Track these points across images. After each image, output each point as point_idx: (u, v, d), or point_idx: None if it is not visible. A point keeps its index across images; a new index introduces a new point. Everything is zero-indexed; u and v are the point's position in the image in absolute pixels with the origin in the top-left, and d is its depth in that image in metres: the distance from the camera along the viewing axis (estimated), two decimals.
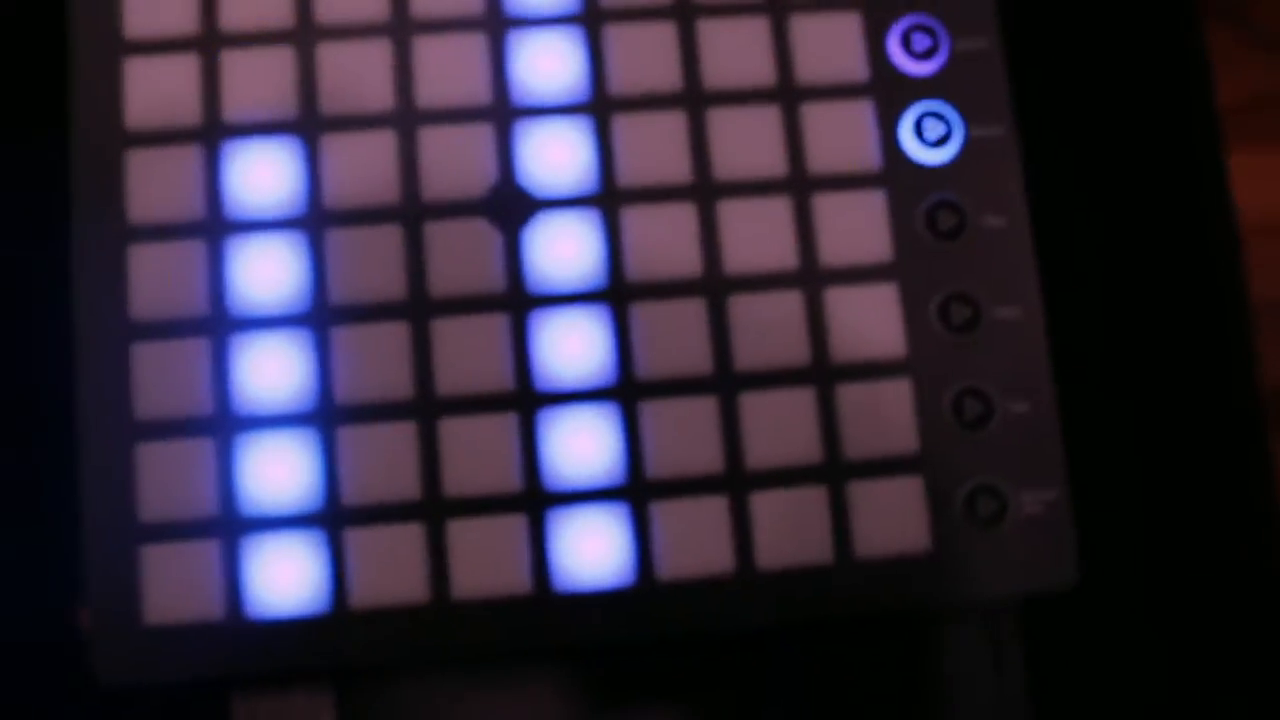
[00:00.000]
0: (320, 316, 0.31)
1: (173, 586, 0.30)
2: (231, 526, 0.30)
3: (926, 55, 0.33)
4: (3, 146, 0.38)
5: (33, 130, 0.36)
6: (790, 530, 0.31)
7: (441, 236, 0.32)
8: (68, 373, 0.31)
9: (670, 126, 0.32)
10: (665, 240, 0.32)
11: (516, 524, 0.31)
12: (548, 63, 0.33)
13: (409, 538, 0.31)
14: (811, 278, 0.32)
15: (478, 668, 0.33)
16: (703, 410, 0.31)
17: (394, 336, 0.31)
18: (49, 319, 0.32)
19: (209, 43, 0.32)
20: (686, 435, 0.31)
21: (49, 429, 0.33)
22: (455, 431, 0.31)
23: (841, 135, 0.33)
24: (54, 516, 0.33)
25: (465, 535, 0.31)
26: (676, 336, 0.32)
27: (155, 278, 0.31)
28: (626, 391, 0.31)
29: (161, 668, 0.30)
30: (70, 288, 0.31)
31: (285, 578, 0.31)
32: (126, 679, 0.30)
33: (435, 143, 0.32)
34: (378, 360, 0.31)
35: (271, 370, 0.31)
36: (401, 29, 0.32)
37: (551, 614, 0.31)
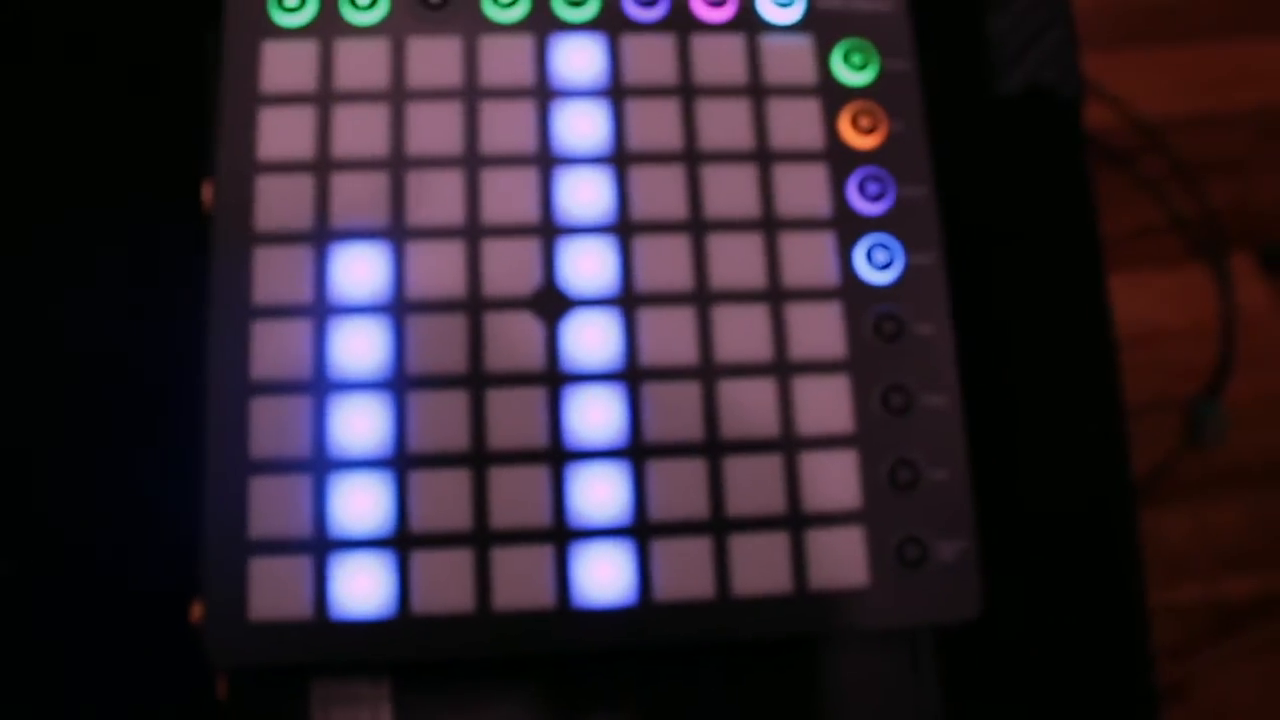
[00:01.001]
0: (399, 383, 0.33)
1: (272, 591, 0.32)
2: (321, 546, 0.32)
3: (877, 199, 0.35)
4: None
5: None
6: (759, 566, 0.33)
7: (496, 326, 0.33)
8: (201, 419, 0.33)
9: (678, 246, 0.34)
10: (670, 335, 0.34)
11: (545, 553, 0.32)
12: (585, 193, 0.34)
13: (461, 560, 0.32)
14: (782, 368, 0.34)
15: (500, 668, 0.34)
16: (694, 469, 0.33)
17: (456, 402, 0.33)
18: (190, 375, 0.34)
19: (323, 167, 0.34)
20: (681, 488, 0.33)
21: (183, 461, 0.34)
22: (501, 478, 0.33)
23: (809, 258, 0.35)
24: (177, 528, 0.34)
25: (505, 560, 0.32)
26: (676, 410, 0.33)
27: (271, 347, 0.33)
28: (636, 452, 0.33)
29: (258, 654, 0.31)
30: (204, 349, 0.33)
31: (361, 588, 0.32)
32: (231, 661, 0.32)
33: (494, 252, 0.34)
34: (443, 420, 0.33)
35: (359, 424, 0.33)
36: (472, 161, 0.34)
37: (570, 625, 0.32)
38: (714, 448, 0.33)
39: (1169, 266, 0.63)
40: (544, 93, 0.35)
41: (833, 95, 0.35)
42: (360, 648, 0.32)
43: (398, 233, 0.34)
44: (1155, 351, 0.62)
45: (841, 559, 0.33)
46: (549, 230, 0.34)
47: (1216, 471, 0.61)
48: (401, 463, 0.32)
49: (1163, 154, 0.62)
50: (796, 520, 0.33)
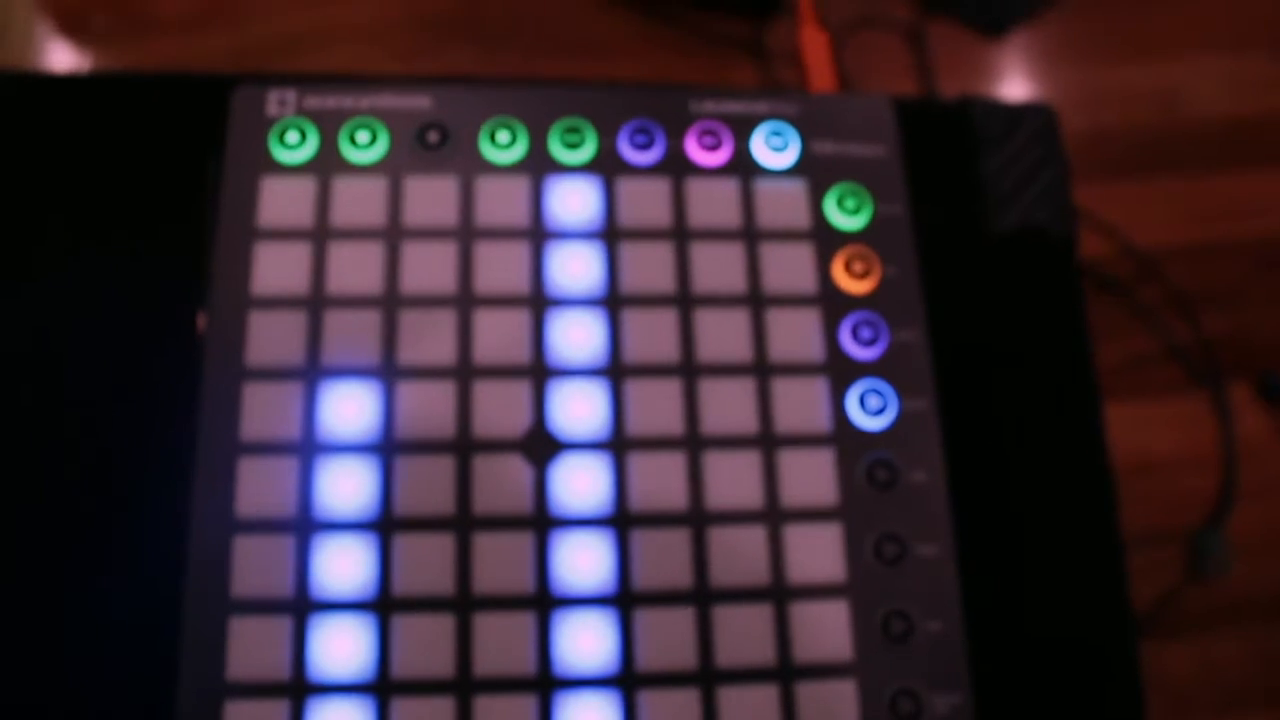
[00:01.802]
0: (385, 524, 0.33)
1: None
2: (300, 689, 0.31)
3: (870, 344, 0.35)
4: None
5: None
6: (749, 719, 0.32)
7: (485, 468, 0.33)
8: (182, 561, 0.32)
9: (669, 391, 0.34)
10: (661, 481, 0.34)
11: (529, 703, 0.32)
12: (577, 335, 0.34)
13: (442, 709, 0.31)
14: (773, 516, 0.34)
15: None
16: (683, 618, 0.32)
17: (442, 545, 0.33)
18: (173, 506, 0.33)
19: (316, 304, 0.34)
20: (669, 637, 0.32)
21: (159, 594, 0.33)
22: (485, 624, 0.32)
23: (801, 404, 0.34)
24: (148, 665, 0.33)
25: (489, 709, 0.31)
26: (665, 557, 0.33)
27: (256, 484, 0.33)
28: (624, 600, 0.32)
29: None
30: (189, 490, 0.33)
31: None
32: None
33: (485, 393, 0.34)
34: (428, 562, 0.32)
35: (342, 566, 0.32)
36: (466, 301, 0.35)
37: None
38: (703, 596, 0.33)
39: (1166, 396, 0.63)
40: (539, 234, 0.35)
41: (826, 240, 0.36)
42: None
43: (389, 372, 0.34)
44: (1155, 482, 0.61)
45: (833, 713, 0.32)
46: (540, 372, 0.34)
47: (1220, 605, 0.60)
48: (384, 606, 0.32)
49: (1159, 283, 0.63)
50: (787, 672, 0.32)
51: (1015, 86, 0.71)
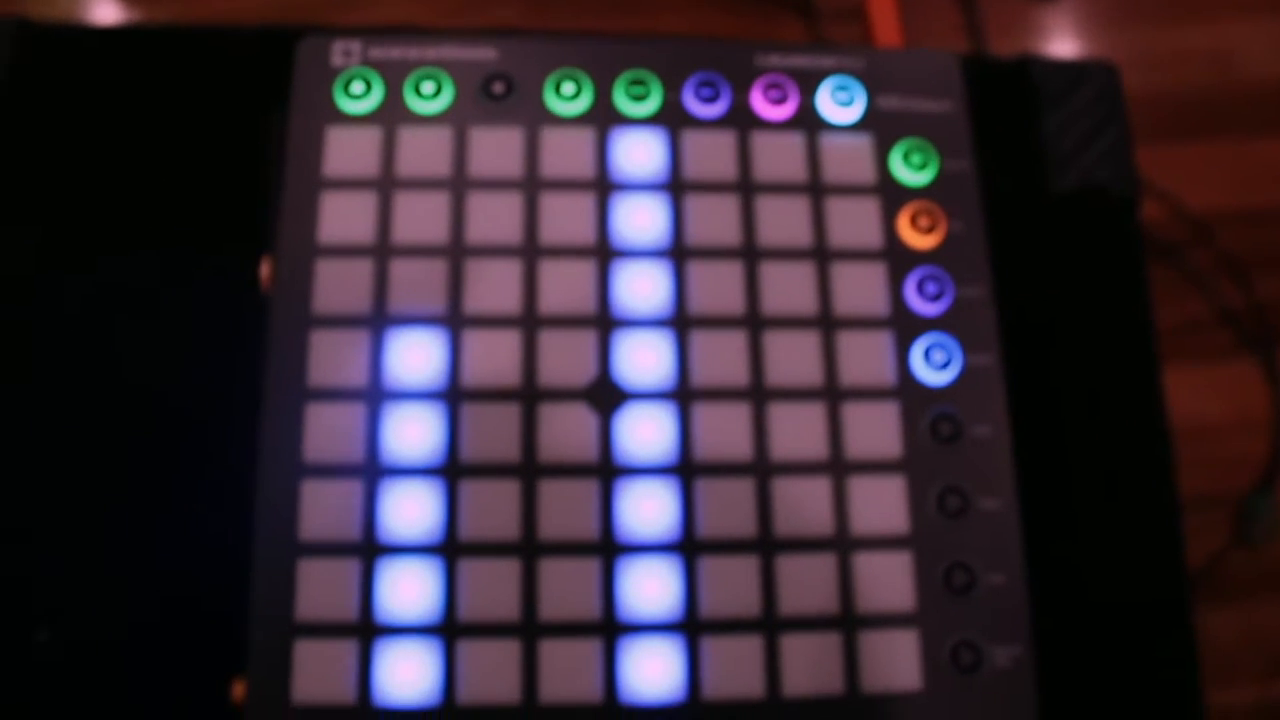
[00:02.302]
0: (451, 471, 0.33)
1: (315, 674, 0.32)
2: (367, 631, 0.32)
3: (935, 298, 0.35)
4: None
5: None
6: (810, 666, 0.32)
7: (550, 416, 0.33)
8: (251, 495, 0.33)
9: (734, 342, 0.34)
10: (725, 431, 0.34)
11: (594, 646, 0.32)
12: (642, 286, 0.35)
13: (508, 651, 0.32)
14: (838, 467, 0.34)
15: None
16: (747, 567, 0.33)
17: (508, 492, 0.33)
18: (239, 455, 0.34)
19: (382, 253, 0.35)
20: (733, 585, 0.33)
21: (230, 537, 0.34)
22: (551, 570, 0.32)
23: (866, 358, 0.35)
24: (221, 603, 0.34)
25: (553, 652, 0.32)
26: (729, 507, 0.33)
27: (325, 430, 0.33)
28: (688, 547, 0.33)
29: None
30: (258, 432, 0.33)
31: (407, 675, 0.32)
32: None
33: (550, 343, 0.34)
34: (494, 509, 0.33)
35: (409, 510, 0.33)
36: (531, 252, 0.35)
37: None
38: (767, 545, 0.33)
39: (1217, 360, 0.63)
40: (604, 185, 0.35)
41: (892, 194, 0.36)
42: None
43: (454, 320, 0.34)
44: (1203, 446, 0.61)
45: (895, 662, 0.32)
46: (606, 322, 0.34)
47: (1267, 570, 0.60)
48: (451, 550, 0.32)
49: (1211, 248, 0.62)
50: (849, 621, 0.32)
51: (1065, 47, 0.71)
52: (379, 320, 0.34)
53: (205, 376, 0.38)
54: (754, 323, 0.34)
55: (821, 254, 0.35)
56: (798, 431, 0.34)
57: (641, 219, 0.35)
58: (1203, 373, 0.61)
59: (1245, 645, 0.58)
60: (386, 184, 0.35)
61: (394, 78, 0.36)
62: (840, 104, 0.36)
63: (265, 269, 0.34)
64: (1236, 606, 0.58)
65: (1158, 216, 0.62)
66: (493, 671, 0.32)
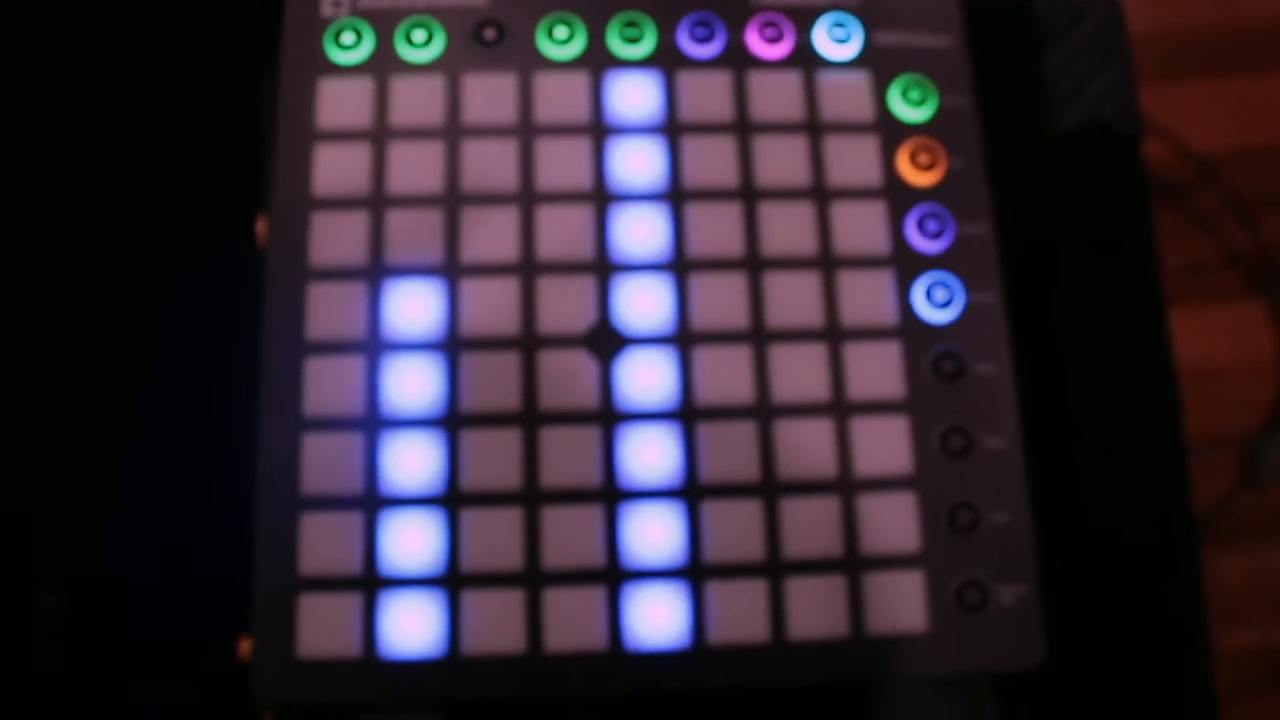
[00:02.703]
0: (451, 421, 0.33)
1: (321, 628, 0.32)
2: (371, 583, 0.32)
3: (936, 236, 0.35)
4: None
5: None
6: (815, 609, 0.32)
7: (549, 363, 0.33)
8: (251, 454, 0.33)
9: (734, 284, 0.34)
10: (726, 374, 0.33)
11: (598, 594, 0.32)
12: (640, 230, 0.34)
13: (512, 601, 0.32)
14: (840, 409, 0.33)
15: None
16: (750, 511, 0.33)
17: (509, 440, 0.33)
18: (238, 416, 0.34)
19: (378, 203, 0.34)
20: (736, 530, 0.32)
21: (232, 498, 0.34)
22: (553, 518, 0.32)
23: (867, 297, 0.34)
24: (225, 564, 0.34)
25: (557, 601, 0.32)
26: (732, 451, 0.33)
27: (324, 384, 0.33)
28: (691, 492, 0.33)
29: (306, 692, 0.31)
30: (257, 389, 0.33)
31: (411, 626, 0.32)
32: (278, 698, 0.31)
33: (548, 289, 0.34)
34: (495, 458, 0.33)
35: (411, 461, 0.33)
36: (527, 198, 0.34)
37: (622, 667, 0.32)
38: (770, 488, 0.33)
39: (1223, 302, 0.62)
40: (599, 129, 0.35)
41: (891, 131, 0.35)
42: (409, 688, 0.31)
43: (452, 269, 0.34)
44: (1210, 389, 0.61)
45: (900, 603, 0.32)
46: (604, 268, 0.34)
47: (1273, 513, 0.60)
48: (453, 501, 0.32)
49: (1217, 188, 0.61)
50: (854, 563, 0.32)
51: None
52: (376, 272, 0.34)
53: (206, 347, 0.38)
54: (753, 264, 0.34)
55: (820, 193, 0.35)
56: (799, 373, 0.33)
57: (638, 162, 0.34)
58: (1209, 315, 0.61)
59: (1251, 588, 0.58)
60: (380, 134, 0.35)
61: (384, 27, 0.36)
62: (837, 41, 0.36)
63: (261, 226, 0.34)
64: (1242, 549, 0.58)
65: (1162, 157, 0.62)
66: (497, 621, 0.32)
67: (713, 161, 0.35)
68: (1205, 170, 0.63)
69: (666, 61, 0.35)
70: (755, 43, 0.36)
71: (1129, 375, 0.41)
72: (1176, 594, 0.39)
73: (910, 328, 0.34)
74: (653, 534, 0.32)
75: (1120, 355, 0.41)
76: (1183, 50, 0.67)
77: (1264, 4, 0.68)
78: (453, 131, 0.35)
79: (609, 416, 0.33)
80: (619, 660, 0.32)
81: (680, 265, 0.34)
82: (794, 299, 0.34)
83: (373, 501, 0.32)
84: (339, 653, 0.31)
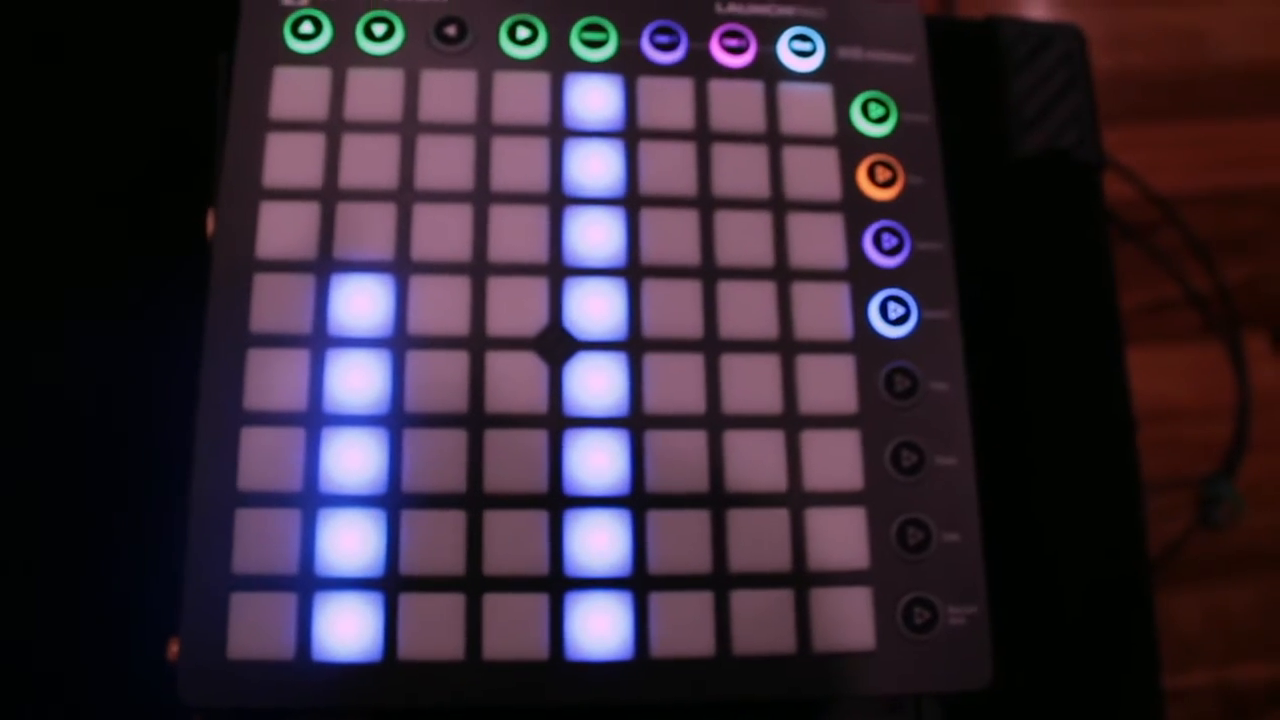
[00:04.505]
0: (395, 420, 0.32)
1: (252, 628, 0.31)
2: (306, 583, 0.31)
3: (893, 252, 0.35)
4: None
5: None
6: (761, 624, 0.32)
7: (498, 365, 0.33)
8: (185, 449, 0.32)
9: (688, 292, 0.34)
10: (677, 382, 0.33)
11: (540, 602, 0.31)
12: (595, 234, 0.34)
13: (451, 606, 0.31)
14: (791, 421, 0.33)
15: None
16: (697, 521, 0.32)
17: (454, 442, 0.32)
18: (173, 405, 0.33)
19: (329, 196, 0.34)
20: (683, 540, 0.32)
21: (161, 493, 0.33)
22: (496, 522, 0.32)
23: (822, 310, 0.34)
24: (149, 564, 0.33)
25: (497, 607, 0.31)
26: (680, 460, 0.33)
27: (266, 377, 0.33)
28: (637, 501, 0.32)
29: (236, 695, 0.31)
30: (195, 380, 0.32)
31: (347, 629, 0.31)
32: (206, 701, 0.31)
33: (500, 290, 0.34)
34: (439, 459, 0.32)
35: (352, 460, 0.32)
36: (482, 197, 0.34)
37: (563, 678, 0.31)
38: (718, 499, 0.32)
39: (1182, 343, 0.63)
40: (558, 131, 0.35)
41: (851, 146, 0.36)
42: (343, 693, 0.31)
43: (402, 266, 0.33)
44: (1167, 429, 0.61)
45: (847, 620, 0.32)
46: (557, 270, 0.34)
47: (1229, 554, 0.60)
48: (394, 501, 0.32)
49: (1178, 229, 0.62)
50: (801, 578, 0.32)
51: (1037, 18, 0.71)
52: (324, 265, 0.33)
53: (147, 326, 0.38)
54: (708, 273, 0.34)
55: (779, 204, 0.35)
56: (751, 384, 0.33)
57: (596, 166, 0.34)
58: (1168, 354, 0.61)
59: (1206, 629, 0.58)
60: (335, 126, 0.34)
61: (344, 19, 0.35)
62: (800, 53, 0.36)
63: (211, 220, 0.34)
64: (1199, 590, 0.58)
65: (1125, 196, 0.62)
66: (435, 626, 0.31)
67: (670, 168, 0.35)
68: (1167, 211, 0.64)
69: (628, 66, 0.36)
70: (718, 51, 0.36)
71: (1084, 396, 0.41)
72: (1128, 632, 0.39)
73: (864, 342, 0.34)
74: (597, 542, 0.32)
75: (1076, 378, 0.41)
76: (1147, 92, 0.68)
77: (1228, 47, 0.69)
78: (409, 127, 0.35)
79: (557, 421, 0.33)
80: (559, 671, 0.31)
81: (634, 271, 0.34)
82: (748, 309, 0.34)
83: (312, 499, 0.32)
84: (271, 654, 0.31)
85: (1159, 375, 0.63)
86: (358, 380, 0.32)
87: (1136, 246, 0.64)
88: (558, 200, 0.34)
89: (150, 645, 0.32)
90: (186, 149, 0.38)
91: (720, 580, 0.32)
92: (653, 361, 0.33)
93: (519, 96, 0.35)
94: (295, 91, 0.34)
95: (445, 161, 0.34)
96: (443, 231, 0.34)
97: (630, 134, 0.35)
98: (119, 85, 0.40)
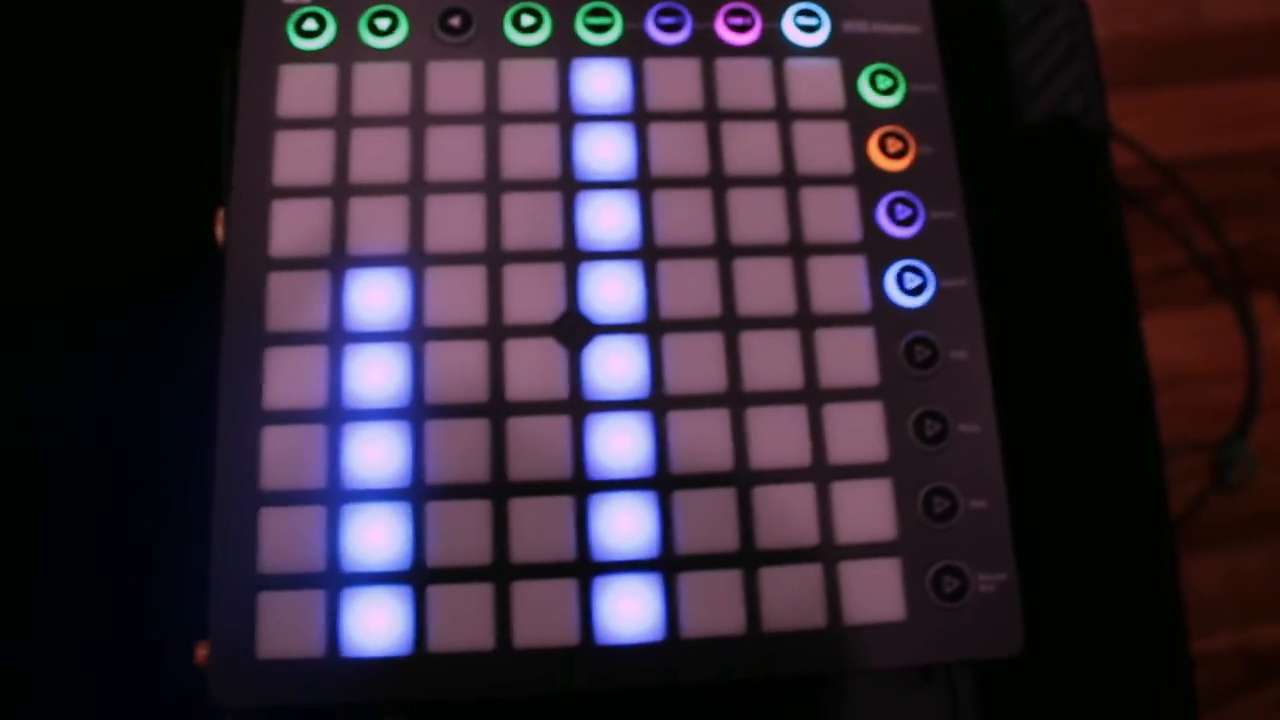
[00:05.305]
0: (417, 412, 0.32)
1: (281, 627, 0.31)
2: (334, 580, 0.31)
3: (907, 223, 0.35)
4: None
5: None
6: (791, 600, 0.32)
7: (517, 353, 0.33)
8: (201, 451, 0.32)
9: (704, 271, 0.34)
10: (697, 362, 0.33)
11: (568, 587, 0.31)
12: (608, 218, 0.34)
13: (480, 596, 0.31)
14: (813, 395, 0.33)
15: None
16: (724, 500, 0.32)
17: (476, 431, 0.32)
18: (195, 405, 0.33)
19: (341, 192, 0.34)
20: (710, 520, 0.32)
21: (188, 495, 0.33)
22: (522, 510, 0.32)
23: (839, 283, 0.34)
24: (180, 566, 0.33)
25: (526, 595, 0.31)
26: (704, 438, 0.33)
27: (285, 375, 0.33)
28: (663, 482, 0.32)
29: (267, 694, 0.31)
30: (215, 379, 0.32)
31: (376, 624, 0.31)
32: (238, 701, 0.30)
33: (516, 278, 0.34)
34: (462, 450, 0.32)
35: (374, 454, 0.32)
36: (494, 186, 0.34)
37: (594, 662, 0.31)
38: (743, 477, 0.32)
39: (1190, 308, 0.63)
40: (567, 117, 0.35)
41: (861, 118, 0.35)
42: (374, 688, 0.31)
43: (417, 259, 0.33)
44: (1179, 394, 0.61)
45: (877, 592, 0.32)
46: (572, 255, 0.34)
47: (1246, 515, 0.60)
48: (419, 494, 0.32)
49: (1181, 194, 0.62)
50: (829, 552, 0.32)
51: None
52: (339, 261, 0.33)
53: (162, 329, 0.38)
54: (724, 252, 0.34)
55: (791, 179, 0.35)
56: (771, 360, 0.33)
57: (606, 150, 0.34)
58: (1178, 319, 0.61)
59: (1225, 591, 0.58)
60: (343, 122, 0.34)
61: (347, 14, 0.35)
62: (805, 29, 0.36)
63: (219, 223, 0.33)
64: (1215, 552, 0.58)
65: (1127, 163, 0.62)
66: (465, 617, 0.31)
67: (681, 148, 0.35)
68: (1170, 176, 0.64)
69: (634, 49, 0.35)
70: (723, 30, 0.36)
71: (1103, 366, 0.41)
72: (1153, 596, 0.39)
73: (883, 314, 0.34)
74: (624, 525, 0.32)
75: (1093, 346, 0.41)
76: (1145, 59, 0.68)
77: (1224, 12, 0.69)
78: (417, 119, 0.35)
79: (578, 406, 0.33)
80: (590, 656, 0.31)
81: (649, 252, 0.34)
82: (765, 286, 0.34)
83: (335, 495, 0.32)
84: (301, 652, 0.31)
85: (1169, 341, 0.63)
86: (377, 374, 0.32)
87: (1141, 213, 0.64)
88: (570, 186, 0.34)
89: (176, 651, 0.32)
90: (190, 150, 0.37)
91: (748, 558, 0.32)
92: (672, 342, 0.33)
93: (526, 84, 0.35)
94: (302, 89, 0.34)
95: (455, 152, 0.34)
96: (456, 222, 0.34)
97: (639, 116, 0.35)
98: (120, 87, 0.39)
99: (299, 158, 0.34)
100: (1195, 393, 0.61)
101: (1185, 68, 0.66)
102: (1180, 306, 0.63)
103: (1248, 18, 0.68)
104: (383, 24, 0.35)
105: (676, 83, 0.35)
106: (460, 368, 0.33)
